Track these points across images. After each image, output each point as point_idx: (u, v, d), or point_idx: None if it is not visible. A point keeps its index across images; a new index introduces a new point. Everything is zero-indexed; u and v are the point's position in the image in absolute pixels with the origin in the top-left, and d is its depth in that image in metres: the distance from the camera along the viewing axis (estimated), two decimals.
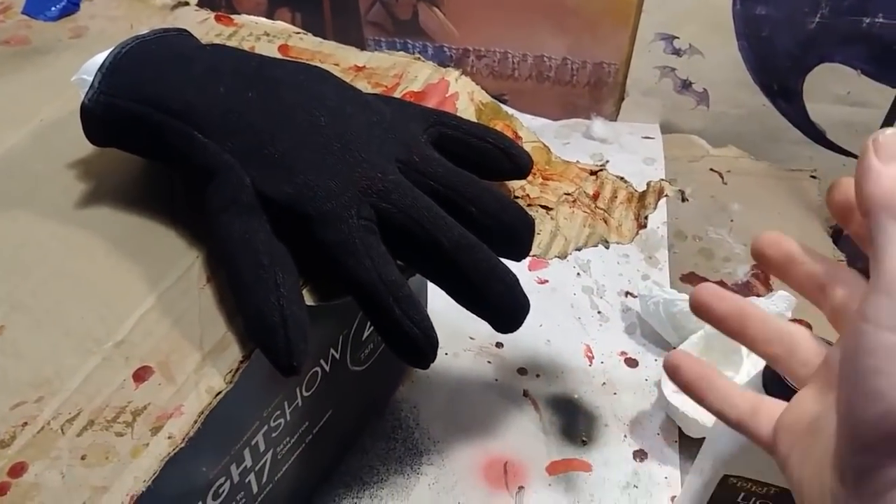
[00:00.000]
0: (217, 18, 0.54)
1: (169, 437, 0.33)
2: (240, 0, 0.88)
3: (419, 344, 0.36)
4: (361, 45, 0.52)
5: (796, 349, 0.32)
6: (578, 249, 0.45)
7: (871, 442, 0.25)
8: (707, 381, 0.34)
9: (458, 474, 0.54)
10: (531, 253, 0.42)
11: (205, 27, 0.53)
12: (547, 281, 0.67)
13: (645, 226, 0.46)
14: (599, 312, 0.65)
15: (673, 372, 0.35)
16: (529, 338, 0.63)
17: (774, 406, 0.32)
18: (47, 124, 0.46)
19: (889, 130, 0.27)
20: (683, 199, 0.49)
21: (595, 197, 0.47)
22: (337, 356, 0.46)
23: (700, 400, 0.34)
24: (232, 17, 0.54)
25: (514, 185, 0.46)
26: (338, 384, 0.48)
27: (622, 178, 0.48)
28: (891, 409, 0.24)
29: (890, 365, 0.24)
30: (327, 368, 0.45)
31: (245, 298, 0.35)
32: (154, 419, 0.33)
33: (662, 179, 0.47)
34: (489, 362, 0.61)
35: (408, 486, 0.53)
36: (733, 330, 0.34)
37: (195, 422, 0.33)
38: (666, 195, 0.47)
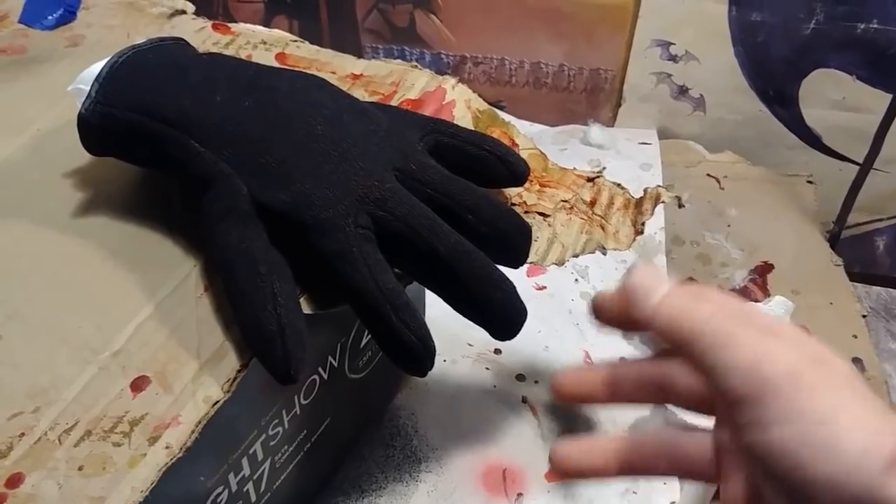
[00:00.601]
0: (214, 27, 0.54)
1: (166, 447, 0.33)
2: (237, 8, 0.88)
3: (417, 352, 0.36)
4: (359, 53, 0.52)
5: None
6: (576, 256, 0.45)
7: None
8: None
9: (457, 481, 0.53)
10: (528, 260, 0.42)
11: (202, 36, 0.53)
12: (545, 287, 0.67)
13: (642, 232, 0.46)
14: None
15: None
16: (528, 344, 0.63)
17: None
18: (44, 133, 0.46)
19: (636, 271, 0.30)
20: (680, 206, 0.49)
21: (592, 203, 0.47)
22: (335, 364, 0.46)
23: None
24: (229, 25, 0.54)
25: (511, 192, 0.46)
26: (336, 392, 0.48)
27: (619, 185, 0.48)
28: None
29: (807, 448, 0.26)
30: (325, 376, 0.45)
31: (242, 307, 0.35)
32: (151, 429, 0.33)
33: (659, 185, 0.47)
34: (487, 369, 0.61)
35: (406, 493, 0.53)
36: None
37: (193, 431, 0.33)
38: (663, 201, 0.47)
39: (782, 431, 0.27)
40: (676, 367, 0.32)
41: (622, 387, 0.34)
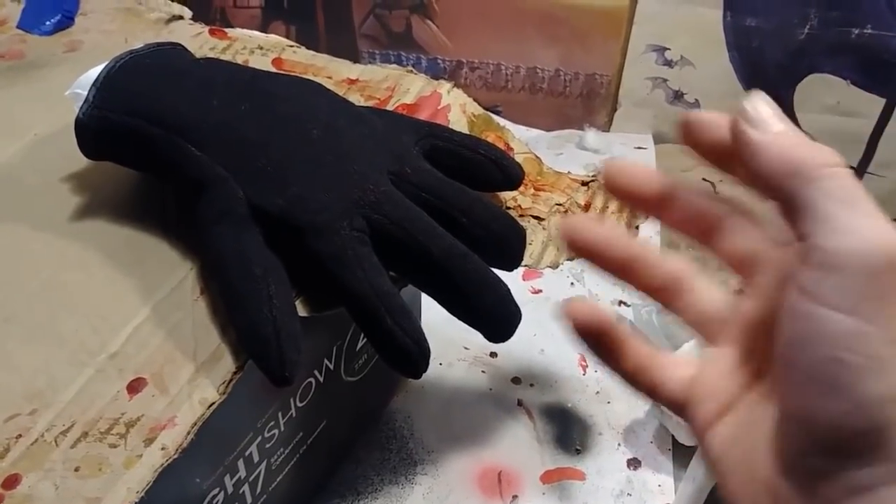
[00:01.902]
0: (211, 32, 0.54)
1: (162, 449, 0.33)
2: (234, 14, 0.89)
3: (411, 354, 0.37)
4: (355, 58, 0.53)
5: (687, 294, 0.30)
6: (570, 259, 0.45)
7: (830, 444, 0.23)
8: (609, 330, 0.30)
9: (453, 484, 0.54)
10: (523, 263, 0.42)
11: (199, 41, 0.53)
12: (541, 291, 0.68)
13: (636, 235, 0.47)
14: None
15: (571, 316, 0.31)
16: (523, 347, 0.63)
17: (680, 364, 0.29)
18: (41, 138, 0.46)
19: (754, 97, 0.25)
20: None
21: (587, 207, 0.47)
22: (331, 367, 0.46)
23: (597, 351, 0.31)
24: (226, 30, 0.55)
25: (506, 196, 0.46)
26: (332, 395, 0.48)
27: None
28: (855, 406, 0.22)
29: (853, 354, 0.22)
30: (321, 379, 0.46)
31: (238, 310, 0.36)
32: (147, 430, 0.33)
33: None
34: (483, 372, 0.61)
35: (402, 495, 0.53)
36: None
37: (188, 433, 0.34)
38: None
39: None
40: (733, 219, 0.29)
41: (675, 206, 0.30)
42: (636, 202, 0.30)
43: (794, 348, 0.23)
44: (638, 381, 0.30)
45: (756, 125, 0.24)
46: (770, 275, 0.27)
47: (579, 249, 0.31)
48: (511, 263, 0.41)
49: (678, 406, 0.29)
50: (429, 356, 0.37)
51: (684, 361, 0.30)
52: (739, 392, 0.27)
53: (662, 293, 0.30)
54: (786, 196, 0.23)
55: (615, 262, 0.31)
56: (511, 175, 0.44)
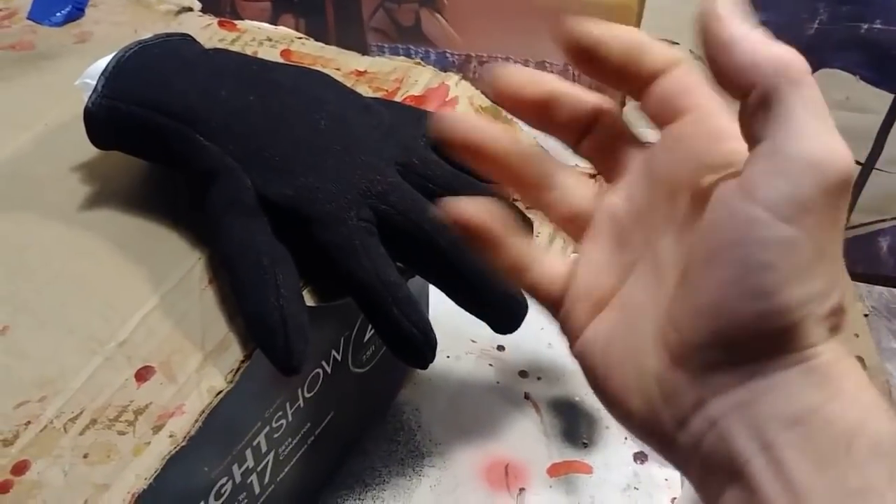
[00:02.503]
0: (220, 24, 0.55)
1: (170, 436, 0.33)
2: (244, 7, 0.89)
3: (417, 344, 0.37)
4: (365, 51, 0.53)
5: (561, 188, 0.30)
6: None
7: (739, 341, 0.23)
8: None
9: (460, 476, 0.54)
10: None
11: (208, 32, 0.54)
12: None
13: None
14: None
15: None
16: (531, 341, 0.63)
17: (556, 263, 0.30)
18: (52, 128, 0.47)
19: None
20: None
21: None
22: (339, 358, 0.47)
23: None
24: (235, 22, 0.55)
25: None
26: (339, 386, 0.48)
27: None
28: (773, 309, 0.22)
29: (783, 261, 0.22)
30: (329, 370, 0.46)
31: (246, 299, 0.36)
32: (156, 418, 0.34)
33: None
34: (491, 365, 0.61)
35: (409, 487, 0.53)
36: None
37: (196, 421, 0.34)
38: None
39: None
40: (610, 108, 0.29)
41: (554, 113, 0.29)
42: (520, 107, 0.29)
43: (720, 248, 0.23)
44: (520, 280, 0.30)
45: (724, 22, 0.23)
46: (637, 171, 0.28)
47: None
48: None
49: (554, 307, 0.29)
50: (435, 346, 0.37)
51: (558, 260, 0.29)
52: (612, 288, 0.27)
53: (528, 190, 0.30)
54: (761, 93, 0.22)
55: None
56: None
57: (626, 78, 0.27)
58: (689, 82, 0.27)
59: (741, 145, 0.24)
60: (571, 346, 0.28)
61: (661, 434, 0.25)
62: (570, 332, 0.29)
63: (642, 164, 0.28)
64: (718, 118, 0.26)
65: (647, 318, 0.25)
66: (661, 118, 0.27)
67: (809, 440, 0.22)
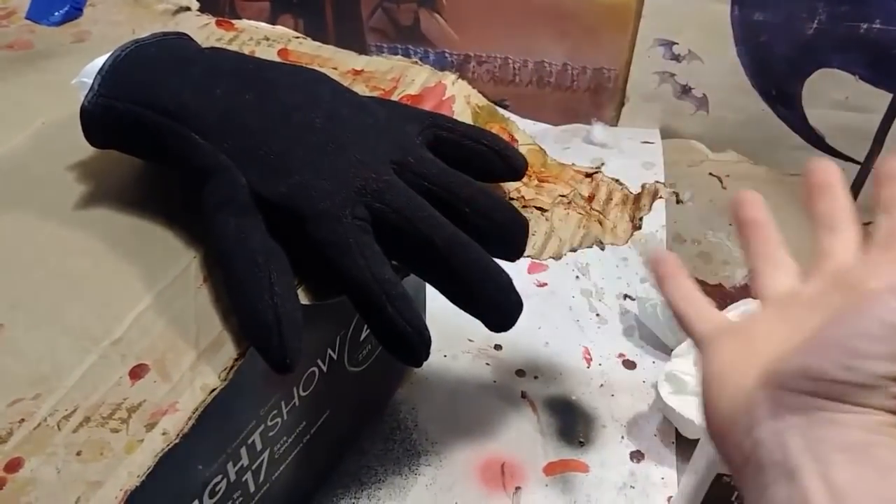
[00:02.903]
0: (218, 23, 0.55)
1: (163, 434, 0.33)
2: (243, 7, 0.89)
3: (412, 342, 0.37)
4: (363, 51, 0.53)
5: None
6: (573, 251, 0.45)
7: (823, 387, 0.28)
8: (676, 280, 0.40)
9: (456, 475, 0.54)
10: (526, 254, 0.42)
11: (205, 32, 0.54)
12: (546, 284, 0.68)
13: (639, 227, 0.47)
14: (598, 315, 0.65)
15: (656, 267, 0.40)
16: (528, 340, 0.63)
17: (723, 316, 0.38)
18: (48, 127, 0.47)
19: None
20: (678, 201, 0.49)
21: (590, 199, 0.47)
22: (335, 357, 0.47)
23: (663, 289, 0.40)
24: (232, 21, 0.55)
25: (510, 186, 0.46)
26: (335, 385, 0.48)
27: (617, 181, 0.49)
28: (861, 379, 0.28)
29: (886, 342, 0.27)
30: (325, 369, 0.46)
31: (240, 297, 0.36)
32: (149, 416, 0.34)
33: (657, 181, 0.48)
34: (487, 364, 0.61)
35: (405, 486, 0.53)
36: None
37: (190, 418, 0.34)
38: (660, 197, 0.47)
39: None
40: None
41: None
42: None
43: (835, 337, 0.29)
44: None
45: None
46: (825, 281, 0.35)
47: None
48: (514, 254, 0.41)
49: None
50: (430, 344, 0.37)
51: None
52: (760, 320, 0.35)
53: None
54: None
55: None
56: (514, 165, 0.44)
57: None
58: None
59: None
60: (700, 349, 0.36)
61: (729, 433, 0.32)
62: (700, 344, 0.37)
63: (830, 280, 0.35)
64: None
65: (768, 351, 0.32)
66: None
67: (853, 463, 0.27)
